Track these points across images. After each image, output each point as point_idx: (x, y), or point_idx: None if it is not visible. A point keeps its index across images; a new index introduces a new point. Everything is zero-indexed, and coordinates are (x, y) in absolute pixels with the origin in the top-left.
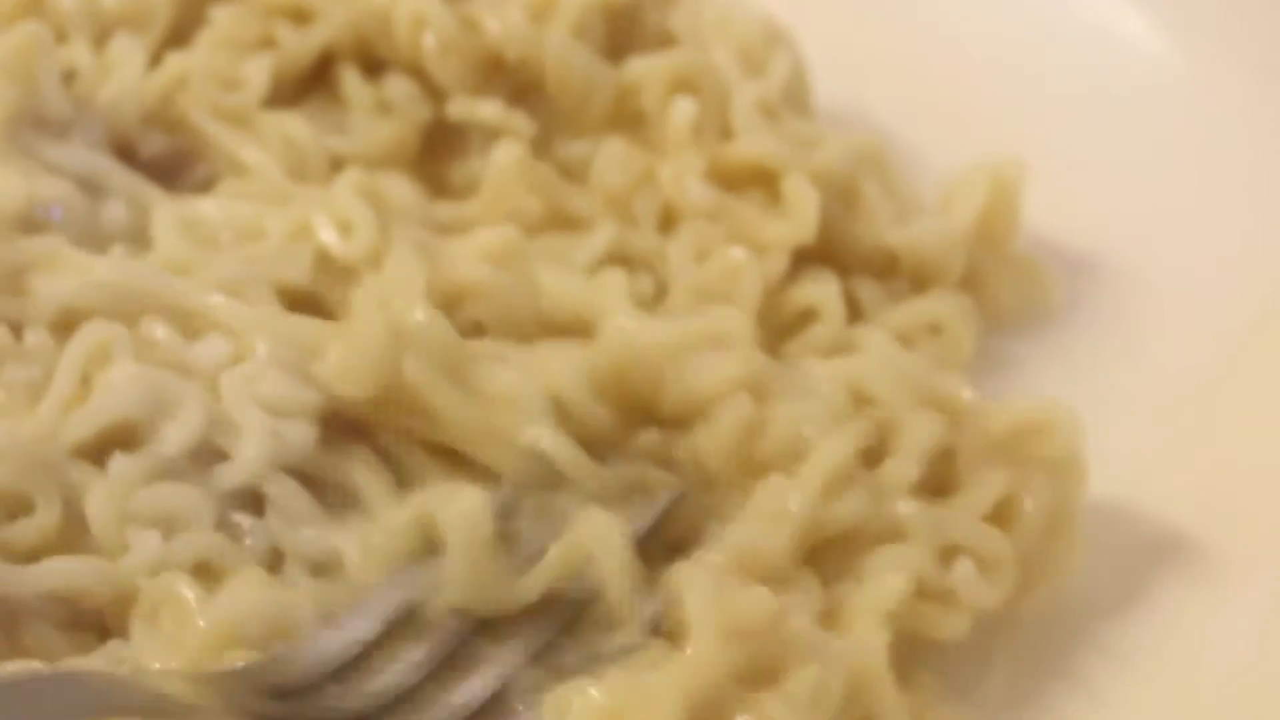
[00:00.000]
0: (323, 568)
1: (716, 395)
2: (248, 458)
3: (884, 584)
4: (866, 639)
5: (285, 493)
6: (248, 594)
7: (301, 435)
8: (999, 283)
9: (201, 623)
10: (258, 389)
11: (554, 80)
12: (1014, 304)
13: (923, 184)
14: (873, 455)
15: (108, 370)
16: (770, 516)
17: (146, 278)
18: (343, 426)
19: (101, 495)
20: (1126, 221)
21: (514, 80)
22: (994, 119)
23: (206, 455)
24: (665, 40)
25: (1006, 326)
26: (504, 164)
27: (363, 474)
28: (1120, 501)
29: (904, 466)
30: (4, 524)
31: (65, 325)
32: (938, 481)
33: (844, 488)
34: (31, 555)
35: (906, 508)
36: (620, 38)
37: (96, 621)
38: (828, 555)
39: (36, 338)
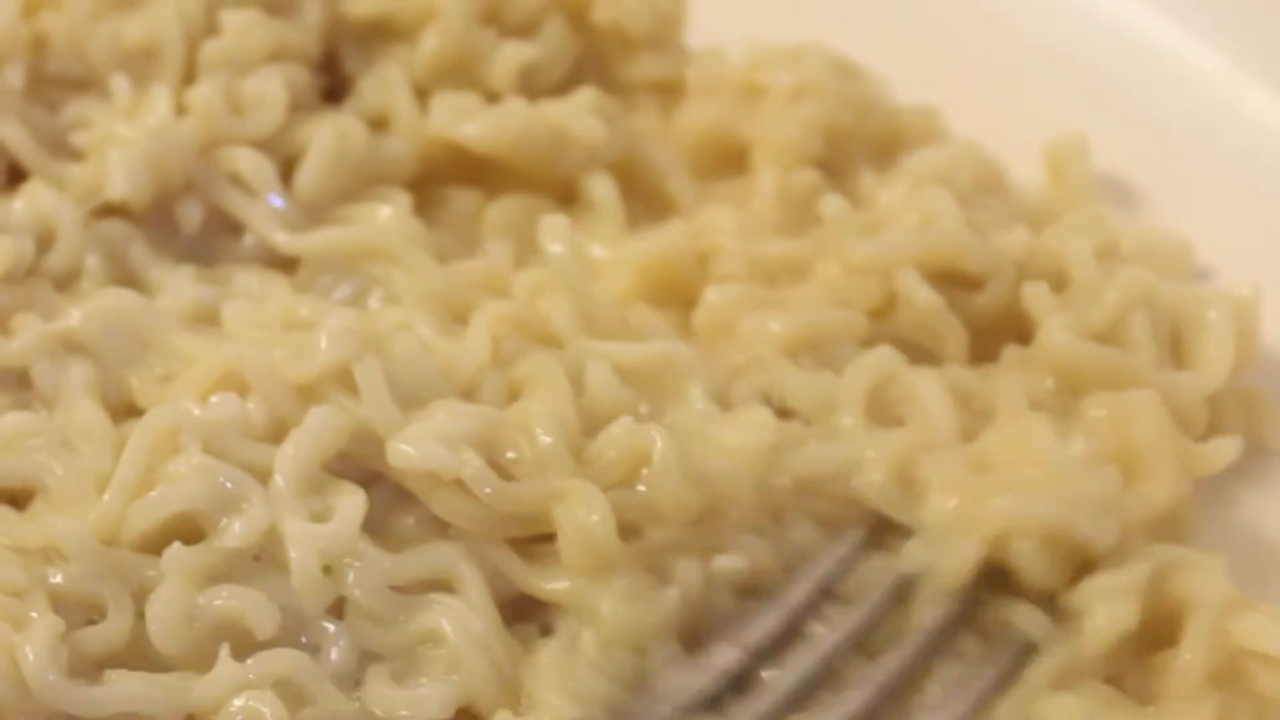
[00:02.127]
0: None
1: None
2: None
3: None
4: None
5: (366, 593)
6: None
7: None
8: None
9: None
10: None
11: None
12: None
13: None
14: None
15: (174, 460)
16: None
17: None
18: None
19: (160, 600)
20: None
21: None
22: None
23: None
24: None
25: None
26: None
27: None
28: None
29: None
30: (75, 629)
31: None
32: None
33: None
34: (103, 664)
35: None
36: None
37: None
38: None
39: (97, 421)
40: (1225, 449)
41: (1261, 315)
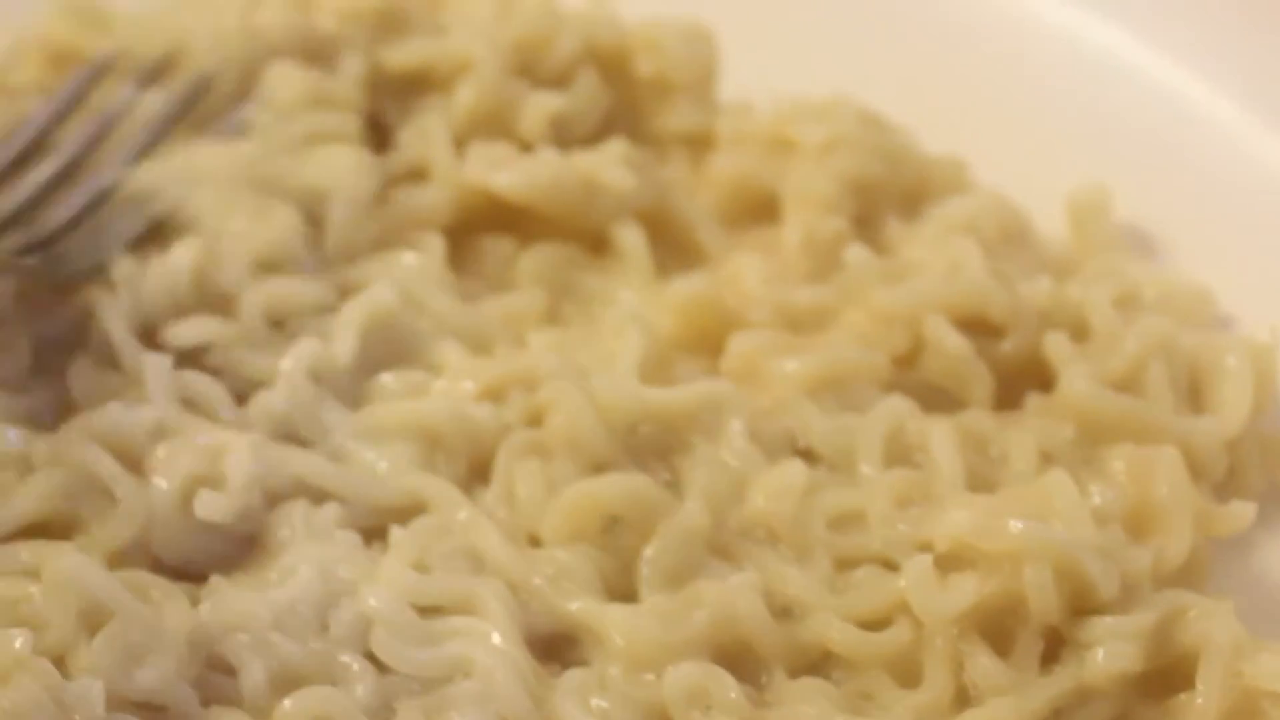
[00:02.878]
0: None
1: None
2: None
3: None
4: None
5: (393, 617)
6: None
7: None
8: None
9: None
10: None
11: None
12: (1256, 484)
13: None
14: None
15: None
16: None
17: None
18: None
19: None
20: None
21: None
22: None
23: None
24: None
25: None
26: None
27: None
28: None
29: None
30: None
31: None
32: None
33: None
34: None
35: None
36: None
37: None
38: None
39: None
40: (1243, 512)
41: None
